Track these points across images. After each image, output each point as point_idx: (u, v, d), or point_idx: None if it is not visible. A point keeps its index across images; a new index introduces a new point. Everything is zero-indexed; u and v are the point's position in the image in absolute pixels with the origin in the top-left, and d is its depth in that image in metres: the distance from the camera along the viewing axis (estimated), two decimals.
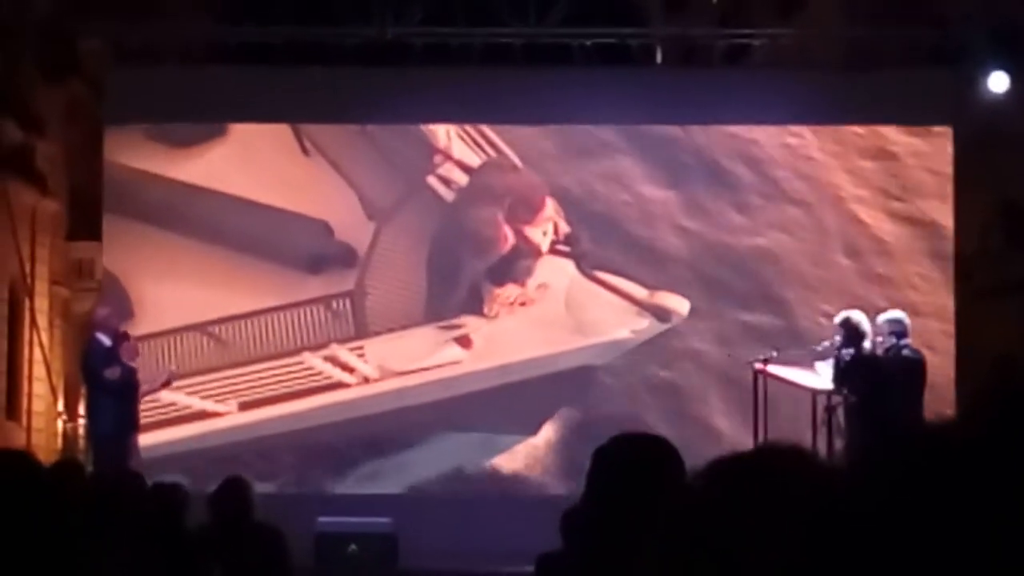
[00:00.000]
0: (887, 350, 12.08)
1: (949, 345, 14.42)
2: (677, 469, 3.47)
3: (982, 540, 0.92)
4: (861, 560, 0.94)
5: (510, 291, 14.89)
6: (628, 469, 3.46)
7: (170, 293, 14.88)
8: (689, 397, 14.56)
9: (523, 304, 14.89)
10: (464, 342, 14.85)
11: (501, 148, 15.03)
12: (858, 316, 12.23)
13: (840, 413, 12.01)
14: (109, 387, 12.98)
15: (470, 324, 14.85)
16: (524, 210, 14.95)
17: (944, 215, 14.98)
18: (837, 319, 12.27)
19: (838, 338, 12.20)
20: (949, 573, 0.91)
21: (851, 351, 11.98)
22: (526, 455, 14.71)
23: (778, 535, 0.96)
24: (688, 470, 1.12)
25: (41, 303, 20.24)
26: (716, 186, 14.89)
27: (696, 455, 2.10)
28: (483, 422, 14.68)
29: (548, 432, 14.69)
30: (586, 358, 14.76)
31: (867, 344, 12.08)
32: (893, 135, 14.97)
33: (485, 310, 14.84)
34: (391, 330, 14.88)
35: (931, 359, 12.32)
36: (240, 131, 15.11)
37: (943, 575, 0.91)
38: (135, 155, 15.06)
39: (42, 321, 19.73)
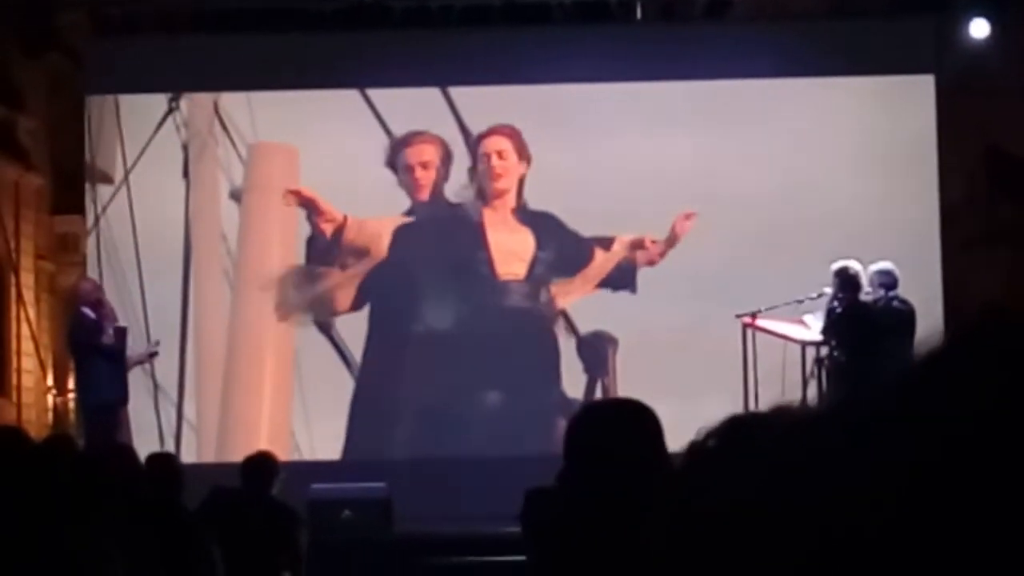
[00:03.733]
0: (876, 301, 12.00)
1: (937, 294, 14.40)
2: (654, 429, 3.47)
3: (946, 475, 0.89)
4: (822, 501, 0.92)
5: None
6: (604, 434, 3.46)
7: None
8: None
9: None
10: None
11: None
12: (856, 266, 12.08)
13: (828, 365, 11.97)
14: (106, 352, 13.03)
15: None
16: None
17: (928, 164, 14.95)
18: (833, 267, 12.11)
19: (827, 289, 12.09)
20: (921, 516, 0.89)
21: (844, 301, 11.86)
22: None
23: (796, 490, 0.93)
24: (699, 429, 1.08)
25: (27, 278, 20.16)
26: (694, 135, 14.82)
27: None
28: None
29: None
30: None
31: (862, 295, 11.98)
32: (875, 84, 14.92)
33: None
34: None
35: (919, 309, 12.26)
36: None
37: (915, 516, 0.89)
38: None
39: (28, 296, 19.67)
